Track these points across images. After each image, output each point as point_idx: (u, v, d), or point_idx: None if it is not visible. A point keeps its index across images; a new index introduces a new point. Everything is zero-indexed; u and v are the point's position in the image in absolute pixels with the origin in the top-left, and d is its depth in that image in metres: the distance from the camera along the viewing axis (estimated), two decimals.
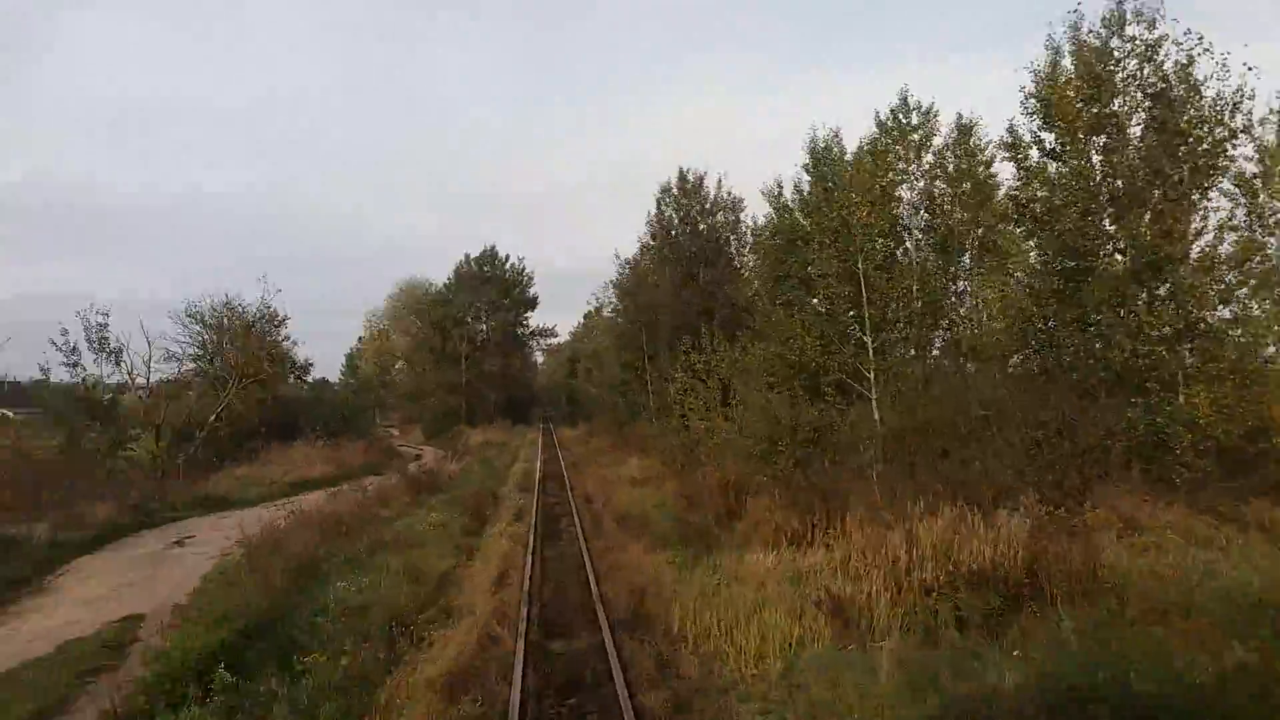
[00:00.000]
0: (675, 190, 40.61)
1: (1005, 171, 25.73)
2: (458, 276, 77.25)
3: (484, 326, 77.91)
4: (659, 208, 40.78)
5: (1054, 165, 21.07)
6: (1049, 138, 20.88)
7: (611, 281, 40.75)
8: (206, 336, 42.07)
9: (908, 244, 26.89)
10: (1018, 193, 22.16)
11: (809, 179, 28.56)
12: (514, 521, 19.78)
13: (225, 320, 42.66)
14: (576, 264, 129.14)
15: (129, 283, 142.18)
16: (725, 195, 40.25)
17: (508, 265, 79.13)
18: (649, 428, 34.39)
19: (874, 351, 23.57)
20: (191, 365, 42.41)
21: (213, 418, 32.47)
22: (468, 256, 78.26)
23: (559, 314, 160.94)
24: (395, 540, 17.09)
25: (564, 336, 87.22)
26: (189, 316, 41.17)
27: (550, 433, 65.79)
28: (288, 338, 44.91)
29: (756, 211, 44.38)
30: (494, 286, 76.90)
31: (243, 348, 38.04)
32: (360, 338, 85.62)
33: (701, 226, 40.18)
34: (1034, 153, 21.15)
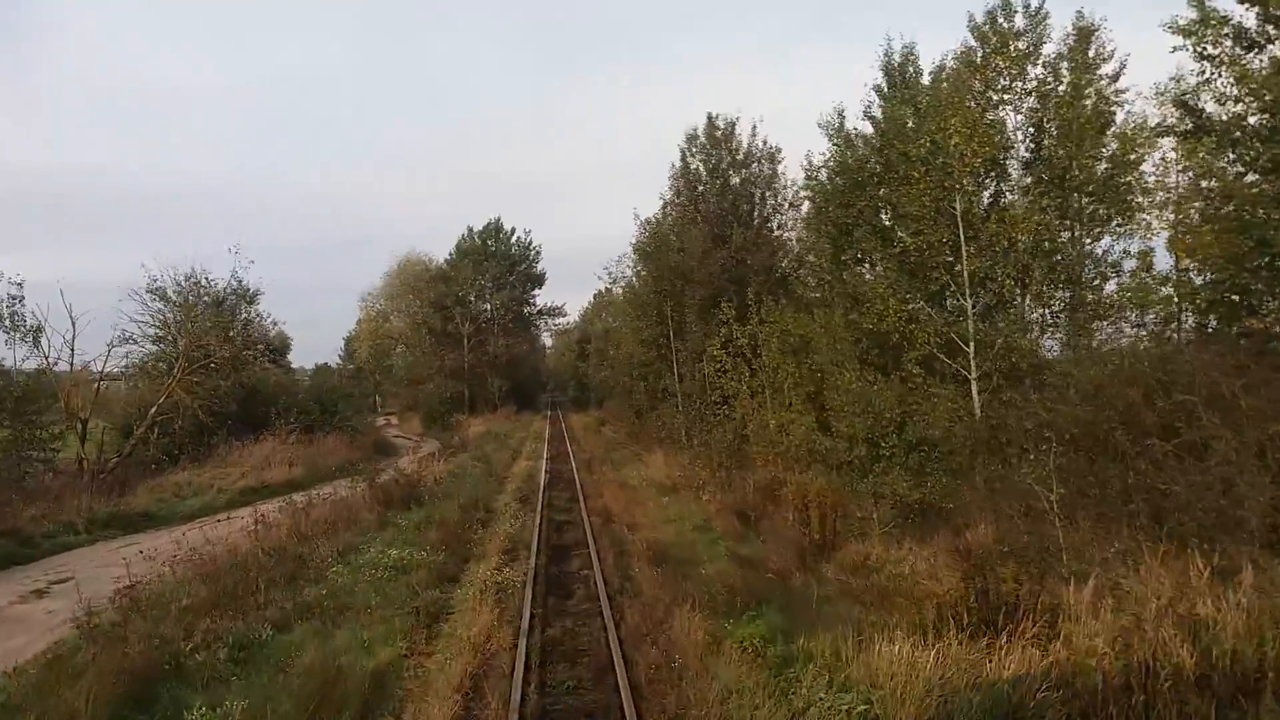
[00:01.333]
0: (703, 139, 34.68)
1: (1135, 86, 20.06)
2: (459, 251, 71.55)
3: (488, 306, 72.29)
4: (684, 159, 34.90)
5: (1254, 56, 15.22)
6: (1247, 15, 14.99)
7: (630, 245, 34.93)
8: (169, 315, 36.67)
9: (1012, 179, 21.03)
10: (1188, 98, 16.30)
11: (880, 104, 22.76)
12: (505, 561, 14.06)
13: (190, 296, 37.21)
14: (583, 247, 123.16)
15: (130, 268, 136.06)
16: (760, 145, 34.32)
17: (514, 239, 73.42)
18: (675, 417, 28.66)
19: (973, 316, 18.07)
20: (152, 348, 37.13)
21: (153, 410, 26.87)
22: (470, 229, 72.58)
23: (565, 296, 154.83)
24: (325, 599, 11.46)
25: (573, 317, 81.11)
26: (150, 293, 35.79)
27: (559, 420, 60.28)
28: (261, 315, 39.43)
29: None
30: (499, 262, 71.11)
31: (191, 329, 32.42)
32: (358, 320, 79.65)
33: (734, 180, 34.29)
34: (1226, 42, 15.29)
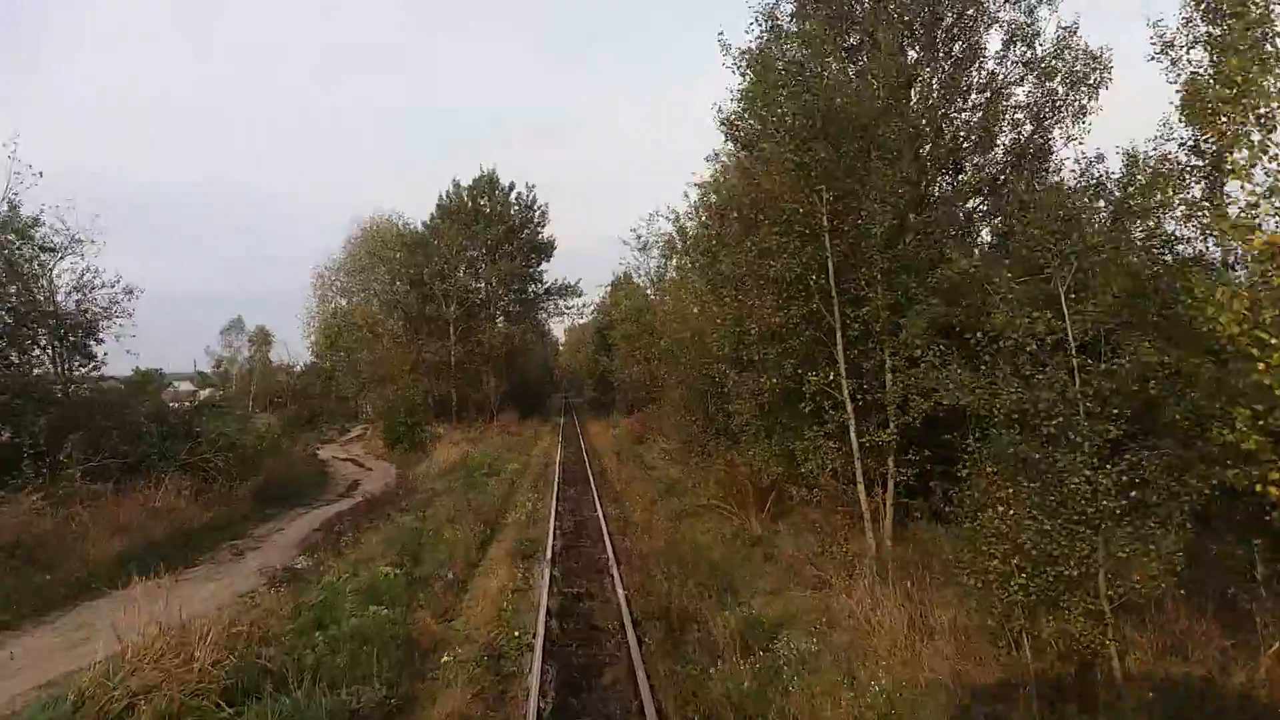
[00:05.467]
0: None
1: None
2: (442, 212, 54.35)
3: (481, 284, 55.08)
4: None
5: None
6: None
7: (721, 109, 17.40)
8: None
9: None
10: None
11: None
12: None
13: None
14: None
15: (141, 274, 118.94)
16: None
17: (513, 196, 56.10)
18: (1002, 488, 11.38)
19: None
20: None
21: None
22: (456, 184, 55.11)
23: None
24: None
25: (589, 298, 63.25)
26: None
27: (576, 435, 43.32)
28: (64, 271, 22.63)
29: None
30: (494, 226, 53.81)
31: None
32: (311, 303, 62.17)
33: None
34: None
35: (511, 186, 55.75)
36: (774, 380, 13.54)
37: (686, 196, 33.63)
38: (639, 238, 39.39)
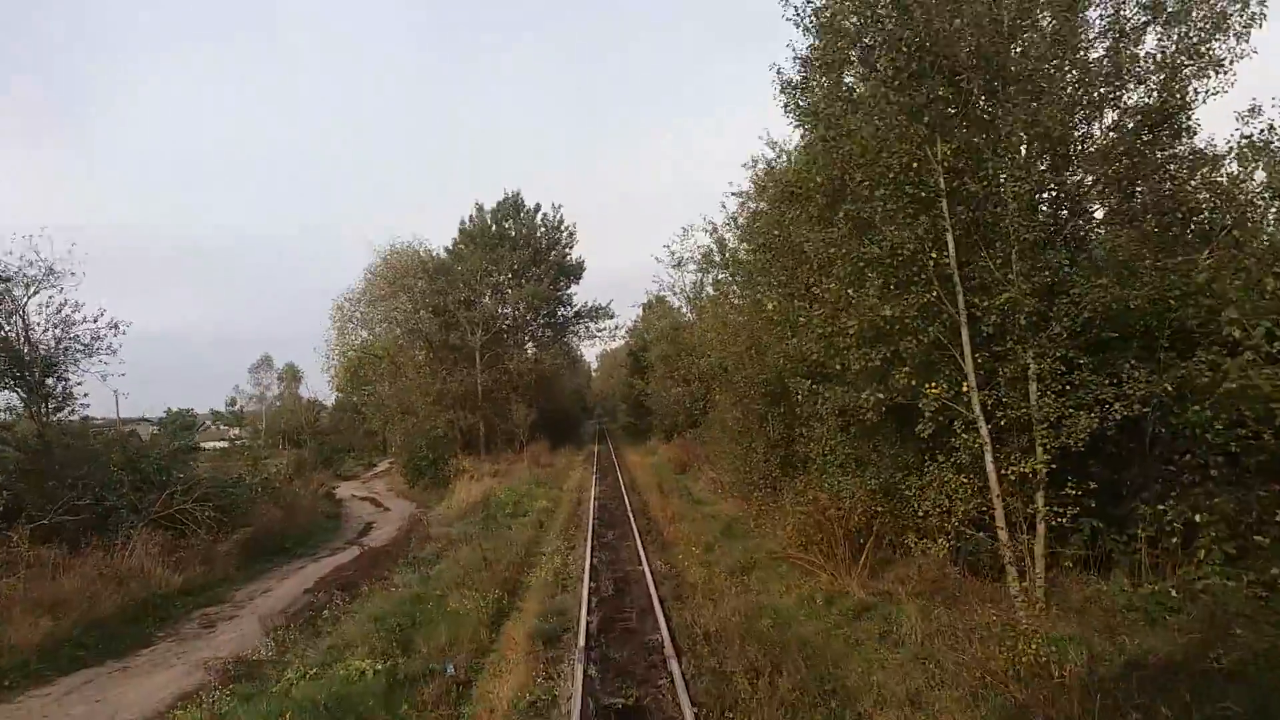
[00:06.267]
0: None
1: None
2: (465, 237, 51.96)
3: (508, 309, 52.28)
4: None
5: None
6: None
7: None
8: None
9: None
10: None
11: None
12: None
13: None
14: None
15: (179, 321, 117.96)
16: None
17: (539, 218, 53.57)
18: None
19: None
20: None
21: None
22: (479, 208, 52.76)
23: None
24: None
25: (620, 319, 59.68)
26: None
27: (613, 465, 39.86)
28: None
29: None
30: (520, 249, 51.21)
31: None
32: (330, 336, 58.41)
33: None
34: None
35: (537, 208, 53.43)
36: (877, 395, 10.10)
37: (724, 207, 30.30)
38: (673, 254, 35.90)
